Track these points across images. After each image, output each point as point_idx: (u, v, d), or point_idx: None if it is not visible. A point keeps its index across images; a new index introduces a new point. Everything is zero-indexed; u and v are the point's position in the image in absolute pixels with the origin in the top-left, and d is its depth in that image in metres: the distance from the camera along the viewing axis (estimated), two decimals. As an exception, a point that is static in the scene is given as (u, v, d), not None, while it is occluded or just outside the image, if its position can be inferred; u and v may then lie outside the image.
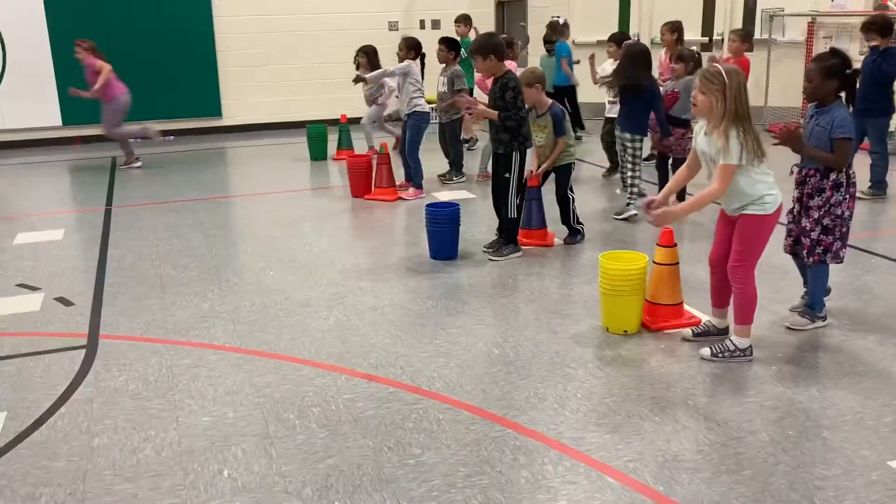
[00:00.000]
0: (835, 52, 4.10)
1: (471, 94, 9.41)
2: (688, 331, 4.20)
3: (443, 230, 5.69)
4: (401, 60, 7.75)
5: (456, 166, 8.32)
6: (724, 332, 4.12)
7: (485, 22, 12.59)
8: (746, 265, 3.84)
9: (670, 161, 6.79)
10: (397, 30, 11.87)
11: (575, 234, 6.02)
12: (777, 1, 10.96)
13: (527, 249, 5.86)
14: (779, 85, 10.58)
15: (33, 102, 11.06)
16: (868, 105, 6.59)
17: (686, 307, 4.47)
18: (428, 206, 5.83)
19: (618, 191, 7.53)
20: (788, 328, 4.24)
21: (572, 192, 6.00)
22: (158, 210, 7.45)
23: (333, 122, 10.21)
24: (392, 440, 3.27)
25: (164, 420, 3.50)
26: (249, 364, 4.05)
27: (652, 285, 4.36)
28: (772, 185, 3.77)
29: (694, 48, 6.96)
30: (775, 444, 3.17)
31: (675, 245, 4.35)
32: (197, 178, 9.01)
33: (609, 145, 8.18)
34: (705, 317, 4.27)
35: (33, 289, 5.31)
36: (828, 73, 3.95)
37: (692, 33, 11.64)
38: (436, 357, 4.07)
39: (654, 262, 4.36)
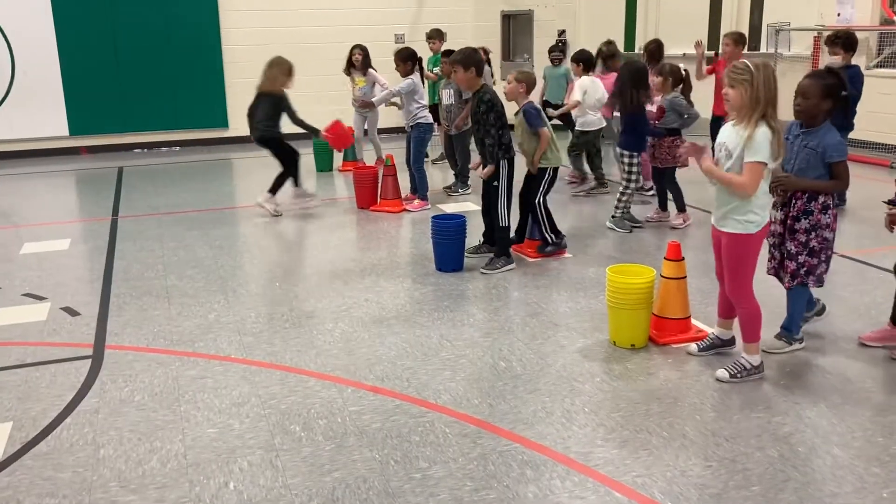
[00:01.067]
0: (831, 72, 3.98)
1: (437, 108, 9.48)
2: (693, 346, 4.18)
3: (448, 242, 5.68)
4: (403, 75, 7.75)
5: (462, 178, 8.33)
6: (728, 342, 4.10)
7: (492, 34, 12.65)
8: (742, 285, 3.81)
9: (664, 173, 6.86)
10: (404, 42, 11.89)
11: (545, 244, 5.91)
12: (783, 15, 10.97)
13: (533, 262, 5.85)
14: (784, 99, 10.55)
15: (41, 112, 11.13)
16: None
17: (693, 321, 4.45)
18: (434, 217, 5.84)
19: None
20: (764, 351, 4.04)
21: (544, 196, 5.80)
22: (165, 220, 7.46)
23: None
24: (398, 453, 3.26)
25: (170, 431, 3.49)
26: (255, 375, 4.04)
27: (659, 299, 4.34)
28: (764, 206, 3.72)
29: (682, 65, 6.97)
30: (784, 460, 3.15)
31: (683, 259, 4.34)
32: (203, 189, 9.02)
33: (577, 157, 8.35)
34: (712, 330, 4.24)
35: (39, 298, 5.31)
36: (827, 92, 3.84)
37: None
38: (442, 370, 4.06)
39: (662, 276, 4.35)
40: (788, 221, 4.00)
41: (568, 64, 10.70)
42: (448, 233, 5.66)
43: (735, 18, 11.45)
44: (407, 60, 7.72)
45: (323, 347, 4.39)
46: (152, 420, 3.60)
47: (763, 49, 11.29)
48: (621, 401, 3.68)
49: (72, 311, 5.05)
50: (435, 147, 9.60)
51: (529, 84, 5.80)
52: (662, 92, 6.69)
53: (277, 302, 5.15)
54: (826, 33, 10.30)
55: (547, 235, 5.90)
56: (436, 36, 9.82)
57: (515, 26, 13.23)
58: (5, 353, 4.40)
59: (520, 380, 3.93)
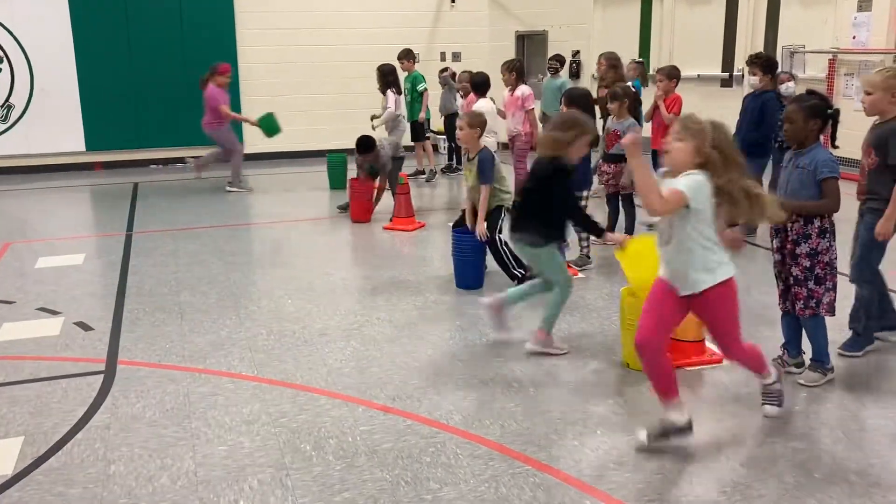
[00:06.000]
0: (813, 93, 3.96)
1: (428, 124, 10.40)
2: (643, 436, 3.43)
3: (467, 258, 5.66)
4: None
5: None
6: (686, 429, 3.43)
7: (506, 55, 12.67)
8: (735, 341, 3.47)
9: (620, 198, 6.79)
10: (419, 62, 11.95)
11: (514, 282, 5.53)
12: (798, 38, 10.97)
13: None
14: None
15: (58, 128, 11.24)
16: (747, 146, 5.42)
17: (708, 344, 4.41)
18: (455, 231, 5.80)
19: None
20: (800, 385, 3.98)
21: (500, 232, 5.61)
22: (178, 236, 7.49)
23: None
24: (409, 474, 3.23)
25: (181, 448, 3.48)
26: (266, 393, 4.03)
27: (673, 321, 4.29)
28: (724, 254, 3.34)
29: (629, 83, 6.83)
30: (800, 487, 3.11)
31: (697, 281, 4.29)
32: (217, 206, 9.06)
33: None
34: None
35: (53, 313, 5.33)
36: (811, 113, 3.78)
37: (714, 68, 11.72)
38: (454, 390, 4.04)
39: (676, 298, 4.30)
40: (788, 246, 3.90)
41: (565, 76, 10.73)
42: (466, 248, 5.62)
43: (750, 40, 11.45)
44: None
45: (334, 366, 4.38)
46: (163, 437, 3.59)
47: (778, 71, 11.28)
48: (635, 423, 3.64)
49: (85, 326, 5.07)
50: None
51: (483, 127, 5.72)
52: (619, 116, 6.49)
53: (289, 319, 5.15)
54: (842, 56, 10.33)
55: (515, 272, 5.61)
56: (405, 56, 10.28)
57: (530, 47, 13.28)
58: (18, 368, 4.42)
59: (532, 401, 3.90)
